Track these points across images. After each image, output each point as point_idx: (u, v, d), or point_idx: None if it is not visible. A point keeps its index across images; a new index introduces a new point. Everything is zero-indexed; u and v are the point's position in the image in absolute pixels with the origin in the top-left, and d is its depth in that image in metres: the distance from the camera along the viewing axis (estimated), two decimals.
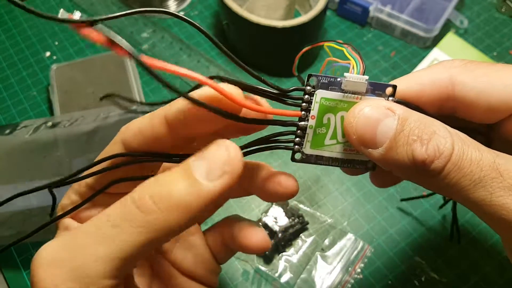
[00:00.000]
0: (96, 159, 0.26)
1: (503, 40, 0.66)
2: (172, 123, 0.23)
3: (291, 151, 0.26)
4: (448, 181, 0.22)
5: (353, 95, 0.24)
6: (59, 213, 0.27)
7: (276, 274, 0.47)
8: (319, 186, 0.53)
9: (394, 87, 0.25)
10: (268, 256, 0.48)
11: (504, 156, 0.22)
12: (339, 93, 0.24)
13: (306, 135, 0.25)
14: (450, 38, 0.63)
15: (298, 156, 0.26)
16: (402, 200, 0.52)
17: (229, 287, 0.47)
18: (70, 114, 0.51)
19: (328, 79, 0.24)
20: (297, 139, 0.25)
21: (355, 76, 0.24)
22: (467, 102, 0.25)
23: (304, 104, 0.25)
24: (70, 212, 0.26)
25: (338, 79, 0.24)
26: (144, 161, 0.25)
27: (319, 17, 0.57)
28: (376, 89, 0.25)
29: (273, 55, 0.62)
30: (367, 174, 0.30)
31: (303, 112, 0.25)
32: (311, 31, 0.60)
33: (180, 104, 0.22)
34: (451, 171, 0.21)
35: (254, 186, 0.28)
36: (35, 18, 0.69)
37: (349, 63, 0.25)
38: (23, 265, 0.49)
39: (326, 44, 0.27)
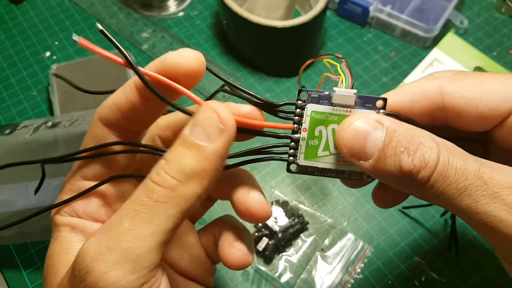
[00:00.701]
0: (83, 144, 0.27)
1: (503, 40, 0.66)
2: (142, 88, 0.25)
3: (286, 161, 0.27)
4: (435, 190, 0.22)
5: (343, 108, 0.26)
6: (54, 214, 0.27)
7: (276, 274, 0.47)
8: (319, 186, 0.53)
9: (385, 100, 0.26)
10: (268, 256, 0.48)
11: (489, 165, 0.22)
12: (329, 106, 0.26)
13: (299, 147, 0.26)
14: (450, 38, 0.63)
15: (293, 167, 0.27)
16: (405, 208, 0.51)
17: (229, 287, 0.47)
18: (70, 114, 0.51)
19: (318, 94, 0.26)
20: (291, 150, 0.26)
21: (343, 90, 0.25)
22: (457, 111, 0.26)
23: (296, 117, 0.26)
24: (64, 202, 0.27)
25: (328, 93, 0.26)
26: (134, 152, 0.27)
27: (319, 17, 0.57)
28: (366, 102, 0.26)
29: (273, 55, 0.62)
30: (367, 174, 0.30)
31: (295, 125, 0.26)
32: (311, 31, 0.60)
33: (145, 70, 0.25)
34: (437, 180, 0.22)
35: (230, 199, 0.29)
36: (36, 18, 0.69)
37: (339, 78, 0.27)
38: (23, 265, 0.49)
39: (325, 60, 0.29)
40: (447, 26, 0.67)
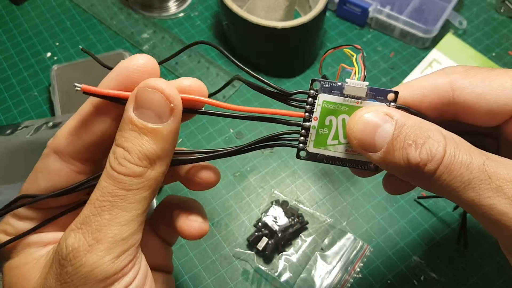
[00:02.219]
0: (30, 177, 0.27)
1: (502, 40, 0.67)
2: (99, 104, 0.26)
3: (294, 151, 0.28)
4: (441, 183, 0.23)
5: (354, 99, 0.26)
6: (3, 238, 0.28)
7: (276, 274, 0.47)
8: (318, 186, 0.53)
9: (396, 93, 0.26)
10: (268, 256, 0.48)
11: (494, 159, 0.23)
12: (340, 97, 0.26)
13: (310, 134, 0.27)
14: (449, 38, 0.64)
15: (303, 154, 0.28)
16: (419, 198, 0.52)
17: (229, 286, 0.47)
18: (70, 114, 0.51)
19: (331, 84, 0.26)
20: (302, 138, 0.27)
21: (355, 81, 0.26)
22: (467, 106, 0.26)
23: (308, 106, 0.27)
24: (26, 234, 0.27)
25: (340, 84, 0.26)
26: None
27: (319, 18, 0.58)
28: (378, 94, 0.26)
29: (273, 56, 0.62)
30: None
31: (306, 114, 0.27)
32: (311, 32, 0.60)
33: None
34: (443, 173, 0.23)
35: (178, 174, 0.31)
36: (36, 19, 0.69)
37: (353, 69, 0.27)
38: None
39: (345, 49, 0.29)
40: (446, 27, 0.67)
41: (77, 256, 0.23)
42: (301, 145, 0.27)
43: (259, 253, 0.48)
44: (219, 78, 0.62)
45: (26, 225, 0.27)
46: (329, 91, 0.26)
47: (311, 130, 0.27)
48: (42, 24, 0.68)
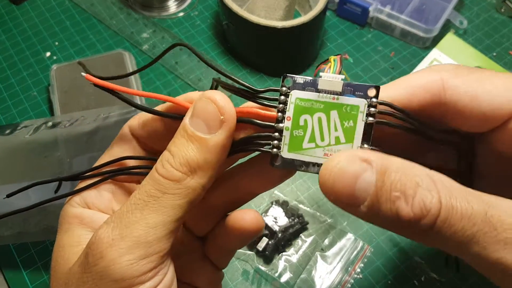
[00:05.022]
0: (108, 152, 0.28)
1: (502, 40, 0.66)
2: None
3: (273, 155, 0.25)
4: (440, 238, 0.20)
5: (330, 95, 0.24)
6: (65, 205, 0.28)
7: (276, 274, 0.47)
8: (318, 186, 0.53)
9: (377, 87, 0.24)
10: (268, 256, 0.48)
11: (496, 205, 0.21)
12: (314, 93, 0.24)
13: (283, 137, 0.24)
14: (450, 38, 0.64)
15: (278, 162, 0.25)
16: None
17: (229, 287, 0.47)
18: (70, 114, 0.51)
19: (304, 80, 0.24)
20: (275, 141, 0.24)
21: (330, 75, 0.24)
22: (459, 107, 0.24)
23: (280, 105, 0.24)
24: (75, 192, 0.27)
25: (314, 79, 0.24)
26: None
27: (319, 18, 0.57)
28: (357, 90, 0.24)
29: (273, 55, 0.62)
30: None
31: (279, 114, 0.24)
32: (311, 32, 0.60)
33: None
34: (441, 228, 0.20)
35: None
36: (36, 19, 0.69)
37: (328, 64, 0.25)
38: (23, 265, 0.49)
39: (332, 57, 0.27)
40: (447, 27, 0.67)
41: (99, 247, 0.23)
42: (274, 149, 0.24)
43: (259, 253, 0.48)
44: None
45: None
46: (302, 87, 0.24)
47: (284, 132, 0.24)
48: (41, 23, 0.68)
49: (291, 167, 0.25)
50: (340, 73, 0.25)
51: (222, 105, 0.23)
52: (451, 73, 0.25)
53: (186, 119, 0.24)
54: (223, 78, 0.27)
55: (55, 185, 0.42)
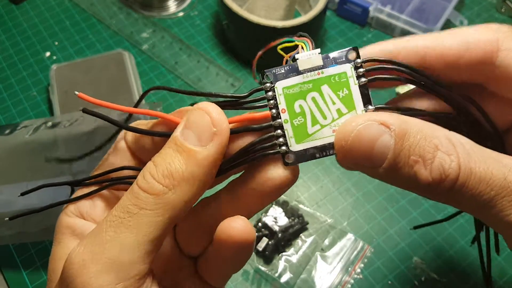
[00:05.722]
0: (103, 162, 0.27)
1: None
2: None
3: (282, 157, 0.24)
4: (458, 200, 0.21)
5: (313, 72, 0.23)
6: (59, 224, 0.27)
7: (276, 274, 0.47)
8: (319, 186, 0.53)
9: (355, 49, 0.23)
10: (268, 256, 0.48)
11: None
12: (298, 76, 0.23)
13: (286, 131, 0.23)
14: None
15: (290, 159, 0.23)
16: (415, 227, 0.42)
17: (229, 287, 0.47)
18: (70, 114, 0.51)
19: (284, 68, 0.24)
20: (280, 139, 0.23)
21: (306, 53, 0.23)
22: (508, 73, 0.23)
23: (271, 101, 0.23)
24: (69, 201, 0.27)
25: (293, 64, 0.23)
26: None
27: (319, 17, 0.57)
28: (337, 58, 0.23)
29: (273, 55, 0.62)
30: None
31: (273, 111, 0.23)
32: (311, 31, 0.59)
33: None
34: (459, 191, 0.20)
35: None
36: (36, 19, 0.69)
37: (299, 45, 0.24)
38: (23, 265, 0.49)
39: (279, 47, 0.26)
40: (447, 26, 0.67)
41: (71, 269, 0.21)
42: (283, 147, 0.23)
43: (259, 253, 0.48)
44: (219, 78, 0.62)
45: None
46: (284, 76, 0.23)
47: (285, 126, 0.23)
48: (41, 23, 0.68)
49: (306, 159, 0.23)
50: (313, 48, 0.24)
51: (215, 117, 0.22)
52: (507, 35, 0.23)
53: (177, 131, 0.22)
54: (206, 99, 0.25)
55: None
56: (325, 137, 0.23)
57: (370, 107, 0.23)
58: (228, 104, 0.24)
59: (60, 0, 0.71)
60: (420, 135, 0.20)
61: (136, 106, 0.26)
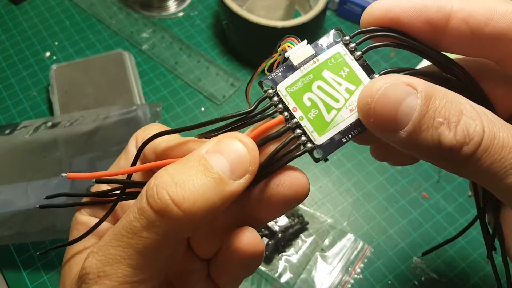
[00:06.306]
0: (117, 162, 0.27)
1: None
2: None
3: (309, 156, 0.23)
4: (477, 168, 0.20)
5: (308, 62, 0.24)
6: (75, 221, 0.27)
7: (276, 274, 0.47)
8: (318, 186, 0.53)
9: (338, 29, 0.24)
10: (268, 256, 0.48)
11: None
12: (296, 72, 0.24)
13: (305, 127, 0.23)
14: None
15: (318, 153, 0.23)
16: (424, 254, 0.40)
17: None
18: (70, 114, 0.51)
19: (279, 70, 0.24)
20: (303, 138, 0.23)
21: (294, 48, 0.23)
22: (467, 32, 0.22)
23: (279, 105, 0.23)
24: (78, 240, 0.26)
25: (286, 64, 0.23)
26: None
27: (319, 17, 0.57)
28: (325, 43, 0.24)
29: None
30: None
31: (284, 113, 0.23)
32: (311, 32, 0.60)
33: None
34: (481, 157, 0.20)
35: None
36: (35, 19, 0.69)
37: (284, 47, 0.24)
38: (23, 265, 0.49)
39: (267, 64, 0.25)
40: None
41: (88, 282, 0.21)
42: (308, 144, 0.23)
43: None
44: (219, 78, 0.62)
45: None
46: (282, 77, 0.23)
47: (302, 123, 0.23)
48: (41, 23, 0.68)
49: (334, 147, 0.23)
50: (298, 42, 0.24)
51: (254, 155, 0.21)
52: None
53: (203, 150, 0.21)
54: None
55: (56, 185, 0.43)
56: (345, 119, 0.23)
57: (375, 75, 0.24)
58: (240, 124, 0.23)
59: (60, 0, 0.71)
60: (446, 99, 0.20)
61: (135, 160, 0.25)
